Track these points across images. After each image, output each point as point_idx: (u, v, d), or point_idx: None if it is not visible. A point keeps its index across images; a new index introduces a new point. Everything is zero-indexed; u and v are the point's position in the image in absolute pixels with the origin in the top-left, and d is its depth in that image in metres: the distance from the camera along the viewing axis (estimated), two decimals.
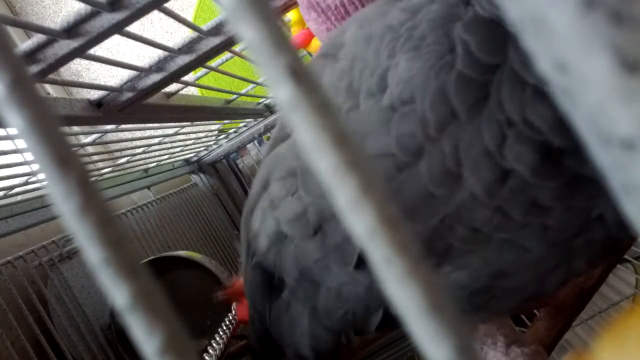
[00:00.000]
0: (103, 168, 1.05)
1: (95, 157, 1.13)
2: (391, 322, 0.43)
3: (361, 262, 0.41)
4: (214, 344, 0.82)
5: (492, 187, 0.33)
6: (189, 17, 2.17)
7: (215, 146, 1.51)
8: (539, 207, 0.33)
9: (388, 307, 0.42)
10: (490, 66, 0.32)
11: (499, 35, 0.32)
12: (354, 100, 0.38)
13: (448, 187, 0.34)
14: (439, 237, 0.35)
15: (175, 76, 0.65)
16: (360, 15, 0.44)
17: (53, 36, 0.46)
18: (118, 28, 0.47)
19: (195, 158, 1.53)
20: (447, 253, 0.36)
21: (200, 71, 0.87)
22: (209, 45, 0.62)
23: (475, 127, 0.32)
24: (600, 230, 0.33)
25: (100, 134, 0.83)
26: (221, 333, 0.84)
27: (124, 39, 0.53)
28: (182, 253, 1.04)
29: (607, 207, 0.32)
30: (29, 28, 0.44)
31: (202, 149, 1.46)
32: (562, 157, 0.31)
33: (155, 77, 0.63)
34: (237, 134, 1.48)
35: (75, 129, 0.95)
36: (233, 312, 0.89)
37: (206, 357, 0.80)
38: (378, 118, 0.36)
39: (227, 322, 0.87)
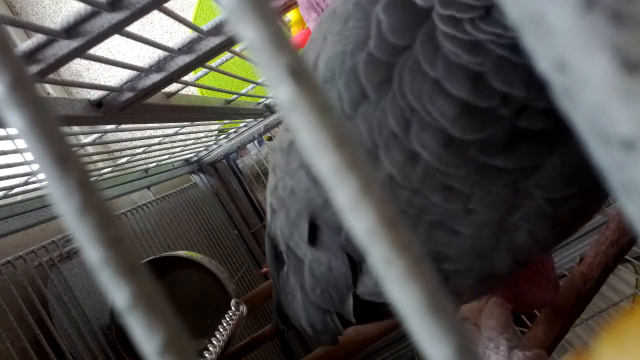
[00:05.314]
0: (103, 168, 1.05)
1: (95, 157, 1.13)
2: (372, 312, 0.43)
3: (314, 239, 0.41)
4: (214, 341, 0.82)
5: (405, 169, 0.33)
6: (189, 17, 2.17)
7: (215, 146, 1.51)
8: (458, 193, 0.33)
9: (359, 294, 0.42)
10: (397, 48, 0.32)
11: (412, 18, 0.32)
12: None
13: None
14: None
15: (175, 76, 0.65)
16: None
17: (53, 36, 0.46)
18: (118, 28, 0.47)
19: (195, 158, 1.52)
20: None
21: (200, 71, 0.87)
22: (209, 45, 0.62)
23: (382, 108, 0.33)
24: (532, 203, 0.33)
25: (100, 134, 0.83)
26: (221, 330, 0.84)
27: (124, 39, 0.53)
28: (182, 253, 1.04)
29: (532, 185, 0.32)
30: (29, 28, 0.44)
31: (202, 149, 1.46)
32: (466, 148, 0.31)
33: (155, 77, 0.63)
34: (237, 134, 1.48)
35: (75, 129, 0.95)
36: (232, 309, 0.89)
37: (206, 355, 0.80)
38: None
39: (227, 319, 0.87)
